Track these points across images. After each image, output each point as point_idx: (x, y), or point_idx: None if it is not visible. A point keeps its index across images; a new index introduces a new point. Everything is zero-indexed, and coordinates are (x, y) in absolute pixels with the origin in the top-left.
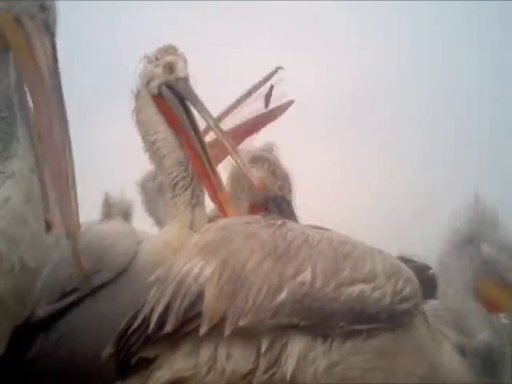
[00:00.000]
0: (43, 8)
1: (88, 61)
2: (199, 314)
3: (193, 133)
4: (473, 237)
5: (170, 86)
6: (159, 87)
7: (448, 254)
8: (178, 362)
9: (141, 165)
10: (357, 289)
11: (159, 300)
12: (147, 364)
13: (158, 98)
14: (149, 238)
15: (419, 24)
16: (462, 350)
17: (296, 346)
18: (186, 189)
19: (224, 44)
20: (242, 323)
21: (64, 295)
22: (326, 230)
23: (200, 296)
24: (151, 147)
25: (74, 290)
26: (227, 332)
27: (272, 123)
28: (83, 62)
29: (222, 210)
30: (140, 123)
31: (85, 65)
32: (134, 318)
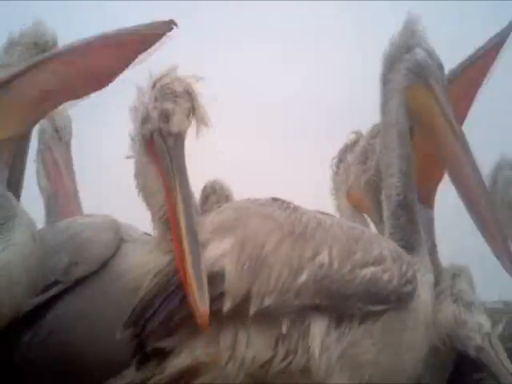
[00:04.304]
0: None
1: None
2: (221, 294)
3: (176, 188)
4: (408, 45)
5: (162, 136)
6: (151, 133)
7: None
8: (198, 350)
9: None
10: (369, 271)
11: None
12: (163, 352)
13: (149, 143)
14: (140, 241)
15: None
16: None
17: (318, 328)
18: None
19: (223, 44)
20: (267, 303)
21: (46, 288)
22: (332, 216)
23: (220, 275)
24: (141, 191)
25: (55, 283)
26: (252, 311)
27: None
28: None
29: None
30: (135, 165)
31: None
32: (150, 301)
